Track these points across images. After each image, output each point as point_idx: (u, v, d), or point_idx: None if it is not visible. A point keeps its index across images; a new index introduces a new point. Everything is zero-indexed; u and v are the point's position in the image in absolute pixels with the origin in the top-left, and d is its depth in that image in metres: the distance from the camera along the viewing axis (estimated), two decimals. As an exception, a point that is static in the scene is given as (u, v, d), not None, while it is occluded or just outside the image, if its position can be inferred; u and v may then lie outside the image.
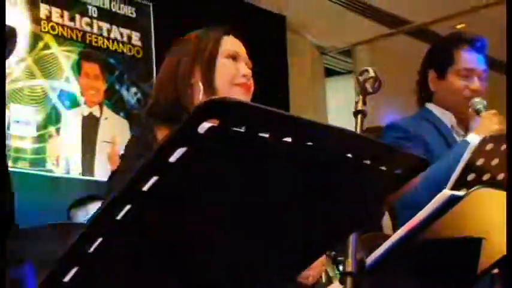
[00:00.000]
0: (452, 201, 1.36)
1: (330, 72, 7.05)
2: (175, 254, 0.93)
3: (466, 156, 1.80)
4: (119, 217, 0.82)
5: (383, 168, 1.03)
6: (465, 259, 1.52)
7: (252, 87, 1.77)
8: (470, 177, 1.82)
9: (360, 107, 1.58)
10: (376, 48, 6.58)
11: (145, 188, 0.80)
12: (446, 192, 1.36)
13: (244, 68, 1.76)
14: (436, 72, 2.34)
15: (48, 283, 0.85)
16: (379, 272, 1.40)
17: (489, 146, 1.76)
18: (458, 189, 1.57)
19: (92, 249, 0.85)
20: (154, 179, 0.80)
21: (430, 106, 2.39)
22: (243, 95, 1.72)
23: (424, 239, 1.41)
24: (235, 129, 0.80)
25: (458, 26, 6.00)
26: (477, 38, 2.36)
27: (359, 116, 1.56)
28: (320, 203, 1.03)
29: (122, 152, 1.75)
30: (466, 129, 2.34)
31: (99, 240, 0.85)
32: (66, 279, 0.86)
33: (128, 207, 0.82)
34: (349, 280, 1.36)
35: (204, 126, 0.77)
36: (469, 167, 1.80)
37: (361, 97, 1.59)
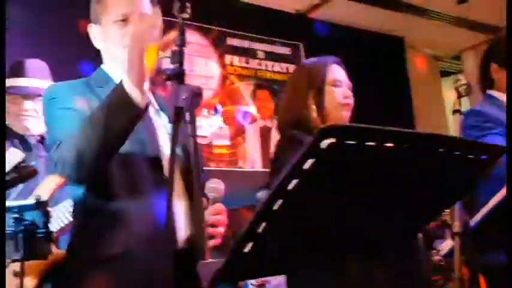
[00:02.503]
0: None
1: (444, 73, 6.70)
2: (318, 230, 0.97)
3: None
4: (275, 207, 0.88)
5: (471, 156, 1.00)
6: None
7: (352, 105, 1.72)
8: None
9: (456, 107, 1.52)
10: (479, 51, 6.12)
11: (290, 188, 0.85)
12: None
13: (345, 92, 1.71)
14: (498, 64, 2.04)
15: (232, 253, 0.93)
16: (480, 231, 1.34)
17: None
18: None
19: (260, 229, 0.91)
20: (296, 181, 0.86)
21: (492, 92, 2.08)
22: (345, 112, 1.69)
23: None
24: (348, 142, 0.83)
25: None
26: None
27: (456, 114, 1.51)
28: (426, 186, 1.02)
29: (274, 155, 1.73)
30: None
31: (265, 223, 0.91)
32: (246, 250, 0.93)
33: (280, 201, 0.87)
34: (457, 238, 1.33)
35: (325, 143, 0.81)
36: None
37: (457, 99, 1.54)
